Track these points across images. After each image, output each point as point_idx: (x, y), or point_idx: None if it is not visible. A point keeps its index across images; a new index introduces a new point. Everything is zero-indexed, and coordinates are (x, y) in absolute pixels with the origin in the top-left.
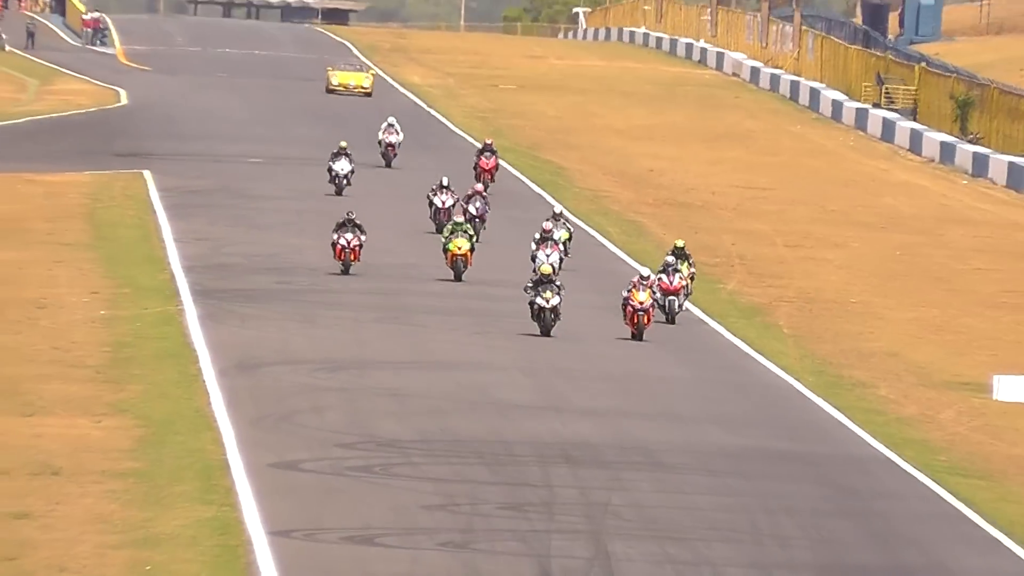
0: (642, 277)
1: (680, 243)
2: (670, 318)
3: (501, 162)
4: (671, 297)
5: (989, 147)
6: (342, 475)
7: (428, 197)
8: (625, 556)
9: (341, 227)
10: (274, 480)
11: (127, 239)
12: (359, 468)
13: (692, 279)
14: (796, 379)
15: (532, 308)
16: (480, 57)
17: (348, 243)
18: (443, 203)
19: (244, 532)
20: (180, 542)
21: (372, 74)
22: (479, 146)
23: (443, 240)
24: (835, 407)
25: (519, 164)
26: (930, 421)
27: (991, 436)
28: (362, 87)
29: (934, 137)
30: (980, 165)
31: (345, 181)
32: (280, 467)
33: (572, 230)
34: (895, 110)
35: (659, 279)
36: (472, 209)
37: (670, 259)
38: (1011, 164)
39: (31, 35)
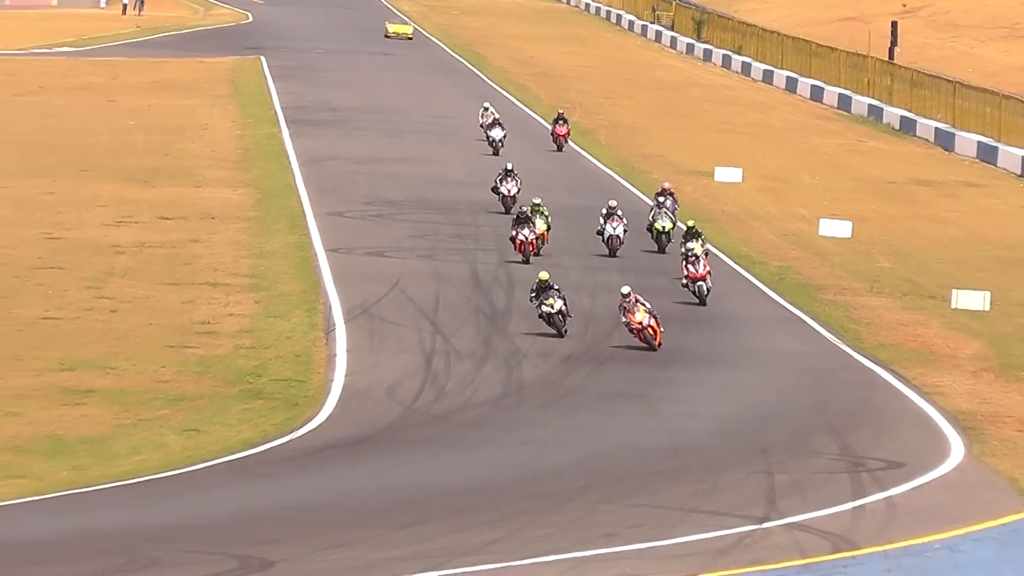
0: (624, 296)
1: (691, 223)
2: (702, 301)
3: (409, 32)
4: (699, 283)
5: (712, 43)
6: (365, 219)
7: (494, 183)
8: (516, 265)
9: (518, 223)
10: (328, 221)
11: (251, 92)
12: (374, 215)
13: (707, 254)
14: (608, 168)
15: (541, 316)
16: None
17: (526, 238)
18: (509, 191)
19: (313, 249)
20: (279, 255)
21: (412, 27)
22: (554, 116)
23: (521, 217)
24: (628, 183)
25: (462, 54)
26: (680, 191)
27: (712, 200)
28: (406, 35)
29: (682, 39)
30: (707, 54)
31: (500, 144)
32: (331, 215)
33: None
34: (663, 26)
35: (686, 269)
36: (610, 229)
37: (690, 245)
38: (723, 55)
39: None
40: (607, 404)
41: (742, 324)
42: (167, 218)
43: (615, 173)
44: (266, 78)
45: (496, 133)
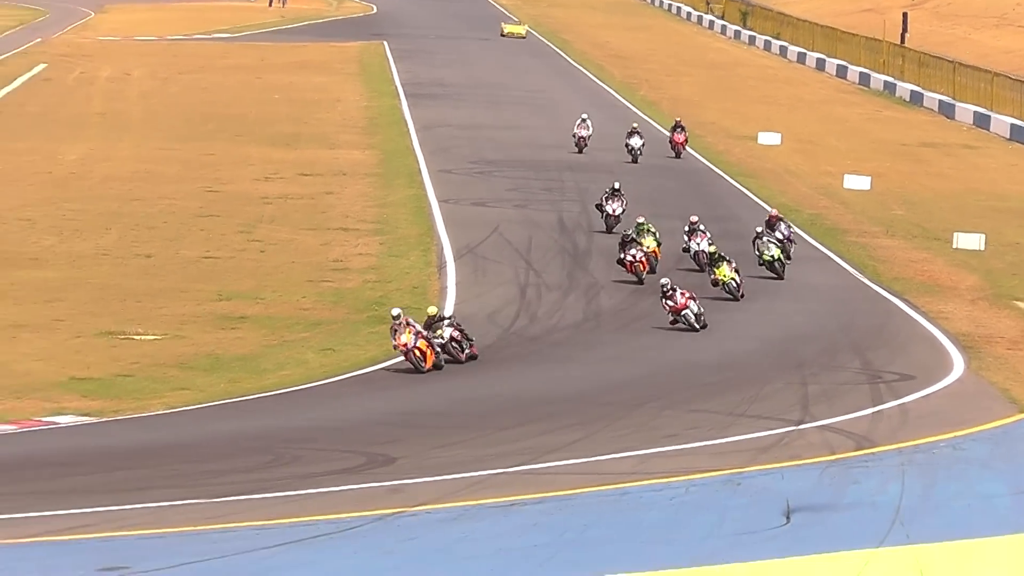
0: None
1: (712, 249)
2: (737, 296)
3: (523, 31)
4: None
5: (755, 31)
6: (469, 175)
7: (600, 200)
8: (595, 212)
9: (624, 245)
10: (439, 177)
11: (376, 70)
12: (476, 172)
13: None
14: (653, 122)
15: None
16: None
17: (635, 257)
18: (613, 211)
19: (427, 200)
20: (400, 204)
21: (526, 27)
22: (672, 124)
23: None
24: (664, 127)
25: (549, 39)
26: (730, 152)
27: (756, 159)
28: (520, 34)
29: (731, 27)
30: (751, 40)
31: (639, 152)
32: (442, 172)
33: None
34: (715, 16)
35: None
36: (694, 245)
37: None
38: (764, 40)
39: None
40: (669, 328)
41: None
42: (306, 174)
43: (649, 117)
44: (388, 59)
45: (635, 141)
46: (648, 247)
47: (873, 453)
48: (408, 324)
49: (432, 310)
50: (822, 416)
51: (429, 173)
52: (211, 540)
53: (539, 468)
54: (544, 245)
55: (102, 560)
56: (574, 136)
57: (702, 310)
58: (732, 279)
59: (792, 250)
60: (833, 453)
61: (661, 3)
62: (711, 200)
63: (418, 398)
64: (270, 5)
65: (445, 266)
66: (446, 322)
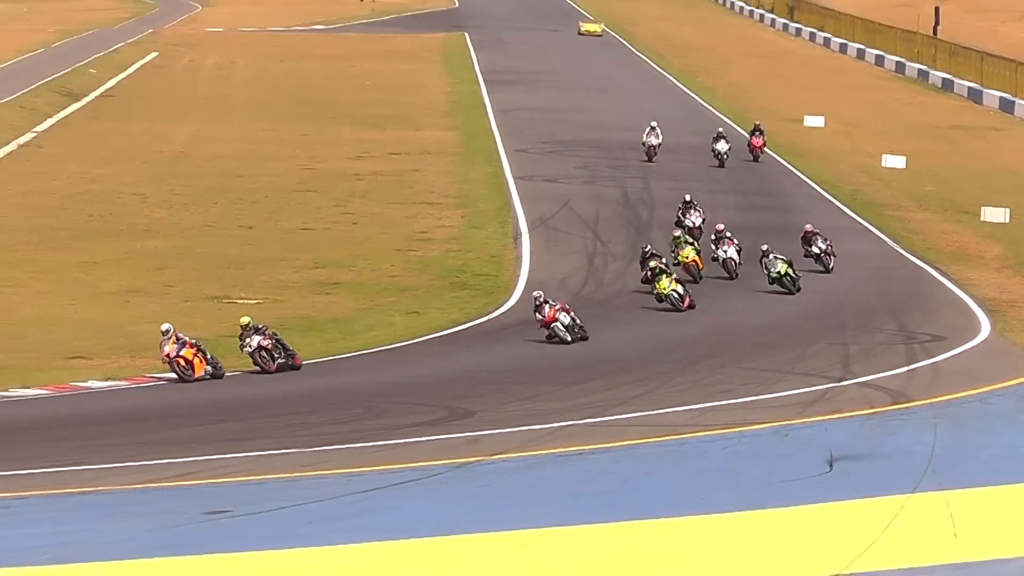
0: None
1: (720, 226)
2: (680, 307)
3: (599, 30)
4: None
5: (801, 23)
6: (542, 154)
7: (678, 217)
8: (656, 188)
9: (645, 260)
10: (516, 156)
11: (457, 59)
12: (548, 152)
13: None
14: (724, 116)
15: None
16: None
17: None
18: (694, 223)
19: (504, 176)
20: (479, 180)
21: (602, 26)
22: (751, 127)
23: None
24: (740, 128)
25: (615, 31)
26: (779, 134)
27: (802, 140)
28: (597, 32)
29: (779, 20)
30: (798, 31)
31: (726, 156)
32: (518, 151)
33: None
34: (765, 10)
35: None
36: (722, 253)
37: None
38: (810, 31)
39: None
40: (722, 292)
41: (825, 233)
42: (394, 153)
43: (729, 119)
44: (469, 48)
45: (722, 146)
46: (688, 257)
47: (908, 407)
48: (175, 337)
49: (244, 320)
50: (861, 373)
51: (506, 152)
52: (307, 486)
53: (605, 421)
54: (610, 218)
55: (207, 504)
56: (643, 144)
57: (578, 321)
58: (674, 291)
59: (833, 263)
60: (871, 407)
61: None
62: (761, 177)
63: (495, 357)
64: (362, 0)
65: (520, 237)
66: (256, 332)
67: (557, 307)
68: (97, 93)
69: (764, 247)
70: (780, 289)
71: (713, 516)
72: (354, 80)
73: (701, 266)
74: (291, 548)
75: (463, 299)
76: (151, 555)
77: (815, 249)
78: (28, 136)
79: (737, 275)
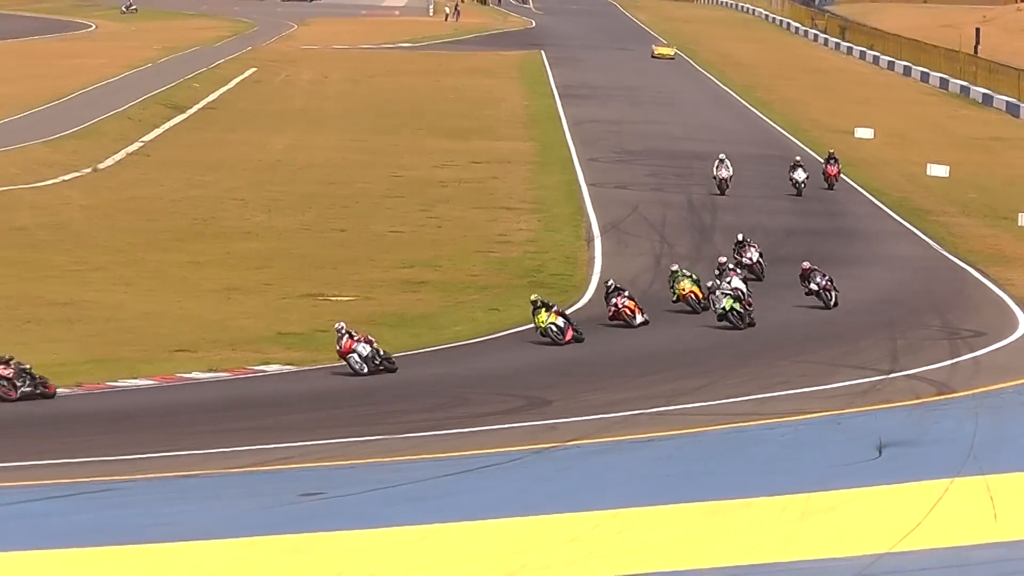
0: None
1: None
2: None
3: (671, 53)
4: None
5: (852, 43)
6: (612, 162)
7: (736, 258)
8: (719, 197)
9: (608, 295)
10: (588, 165)
11: (534, 75)
12: (619, 160)
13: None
14: (781, 128)
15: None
16: (666, 9)
17: (620, 305)
18: (751, 259)
19: (578, 183)
20: (554, 187)
21: (675, 49)
22: (826, 156)
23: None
24: (796, 138)
25: (680, 49)
26: (831, 144)
27: (852, 150)
28: (669, 55)
29: (831, 39)
30: (849, 50)
31: (803, 185)
32: (590, 160)
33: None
34: (819, 30)
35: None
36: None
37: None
38: (860, 50)
39: (499, 0)
40: (779, 291)
41: (873, 236)
42: (476, 162)
43: (786, 131)
44: (545, 65)
45: (799, 175)
46: (685, 289)
47: (951, 398)
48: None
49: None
50: (908, 366)
51: (579, 161)
52: (396, 470)
53: (671, 410)
54: (675, 222)
55: (302, 487)
56: (714, 178)
57: (381, 353)
58: (553, 324)
59: (834, 297)
60: (918, 397)
61: (773, 19)
62: (814, 185)
63: (570, 351)
64: (446, 20)
65: (593, 239)
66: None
67: (357, 338)
68: (200, 105)
69: (710, 284)
70: (727, 325)
71: (771, 498)
72: (439, 94)
73: (702, 296)
74: (381, 528)
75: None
76: (249, 534)
77: (813, 285)
78: (136, 145)
79: (750, 304)
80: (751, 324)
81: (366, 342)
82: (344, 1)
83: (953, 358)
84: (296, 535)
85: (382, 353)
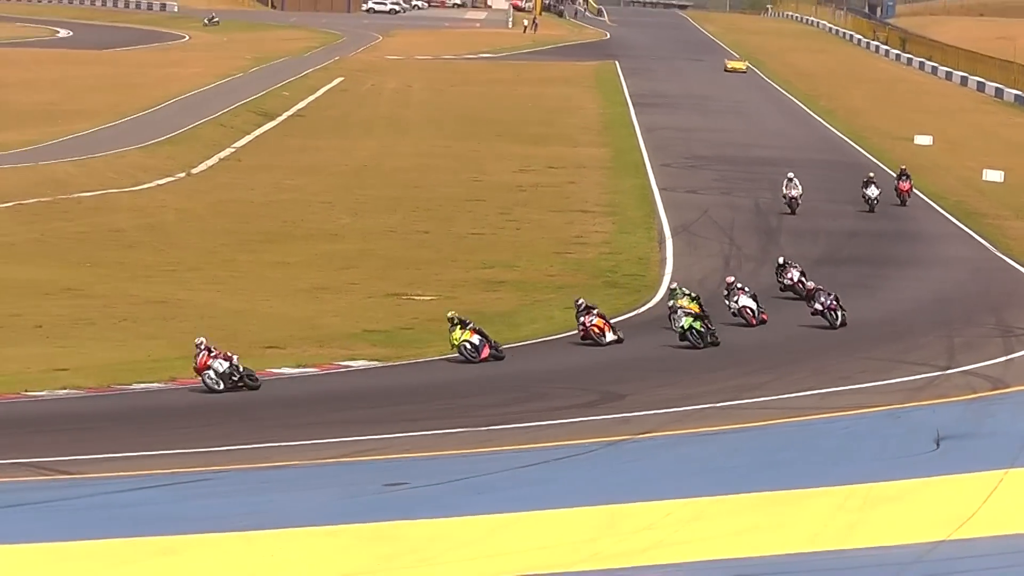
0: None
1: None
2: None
3: (743, 67)
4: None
5: (912, 54)
6: (683, 168)
7: (813, 297)
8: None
9: (579, 312)
10: (660, 170)
11: (609, 84)
12: (690, 166)
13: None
14: (843, 135)
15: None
16: (734, 22)
17: (588, 324)
18: (793, 279)
19: (650, 188)
20: (628, 191)
21: (746, 63)
22: (897, 172)
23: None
24: (859, 145)
25: (748, 59)
26: (892, 151)
27: (912, 156)
28: (741, 69)
29: (892, 51)
30: (909, 61)
31: (876, 202)
32: (662, 166)
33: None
34: (880, 42)
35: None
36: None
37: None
38: (919, 61)
39: (575, 13)
40: (840, 290)
41: (932, 238)
42: (553, 167)
43: (848, 138)
44: (619, 75)
45: (872, 191)
46: (683, 306)
47: (1006, 392)
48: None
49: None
50: (965, 363)
51: (652, 166)
52: (476, 461)
53: (739, 404)
54: (743, 225)
55: (387, 477)
56: (784, 197)
57: (241, 369)
58: (467, 342)
59: (840, 317)
60: (974, 392)
61: (837, 31)
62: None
63: (642, 347)
64: (524, 31)
65: (665, 241)
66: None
67: (215, 354)
68: (289, 113)
69: (671, 303)
70: (686, 343)
71: (834, 488)
72: (517, 102)
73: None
74: (462, 516)
75: (614, 296)
76: (335, 522)
77: (818, 305)
78: (228, 151)
79: (763, 320)
80: (713, 343)
81: (224, 359)
82: (428, 14)
83: (1007, 355)
84: (380, 523)
85: (242, 370)
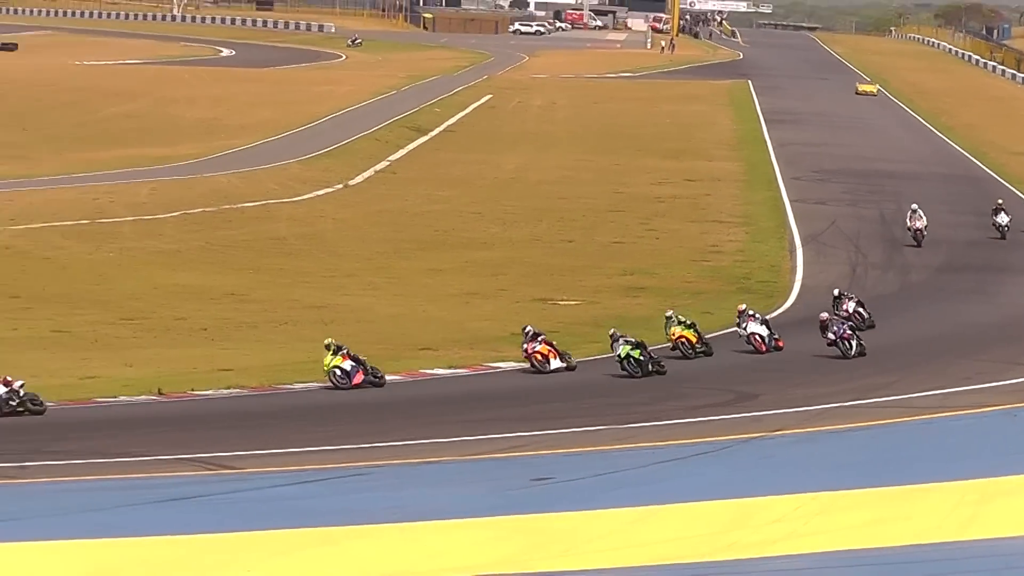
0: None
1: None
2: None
3: (875, 90)
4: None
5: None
6: (813, 181)
7: (833, 309)
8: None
9: (526, 339)
10: (791, 183)
11: (742, 101)
12: (819, 179)
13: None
14: (962, 149)
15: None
16: (860, 43)
17: (532, 350)
18: (848, 310)
19: (782, 200)
20: (760, 203)
21: (878, 87)
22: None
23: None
24: (976, 159)
25: (873, 79)
26: (1008, 165)
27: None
28: (872, 92)
29: (1008, 71)
30: (1021, 80)
31: (1007, 228)
32: (793, 179)
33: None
34: (996, 62)
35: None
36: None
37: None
38: (1007, 72)
39: (710, 34)
40: (960, 296)
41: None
42: (690, 180)
43: (968, 153)
44: (751, 93)
45: (1002, 219)
46: (675, 334)
47: None
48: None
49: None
50: None
51: (783, 179)
52: (616, 457)
53: (865, 403)
54: (869, 234)
55: (533, 472)
56: (909, 229)
57: (17, 392)
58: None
59: (854, 345)
60: None
61: (955, 52)
62: (992, 198)
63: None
64: (662, 52)
65: (795, 250)
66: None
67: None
68: (441, 128)
69: (611, 332)
70: (623, 372)
71: (954, 483)
72: (655, 118)
73: (695, 341)
74: (604, 509)
75: (748, 301)
76: (484, 515)
77: (831, 335)
78: (383, 164)
79: (778, 347)
80: (658, 371)
81: (3, 384)
82: (570, 35)
83: None
84: (526, 516)
85: (22, 394)
